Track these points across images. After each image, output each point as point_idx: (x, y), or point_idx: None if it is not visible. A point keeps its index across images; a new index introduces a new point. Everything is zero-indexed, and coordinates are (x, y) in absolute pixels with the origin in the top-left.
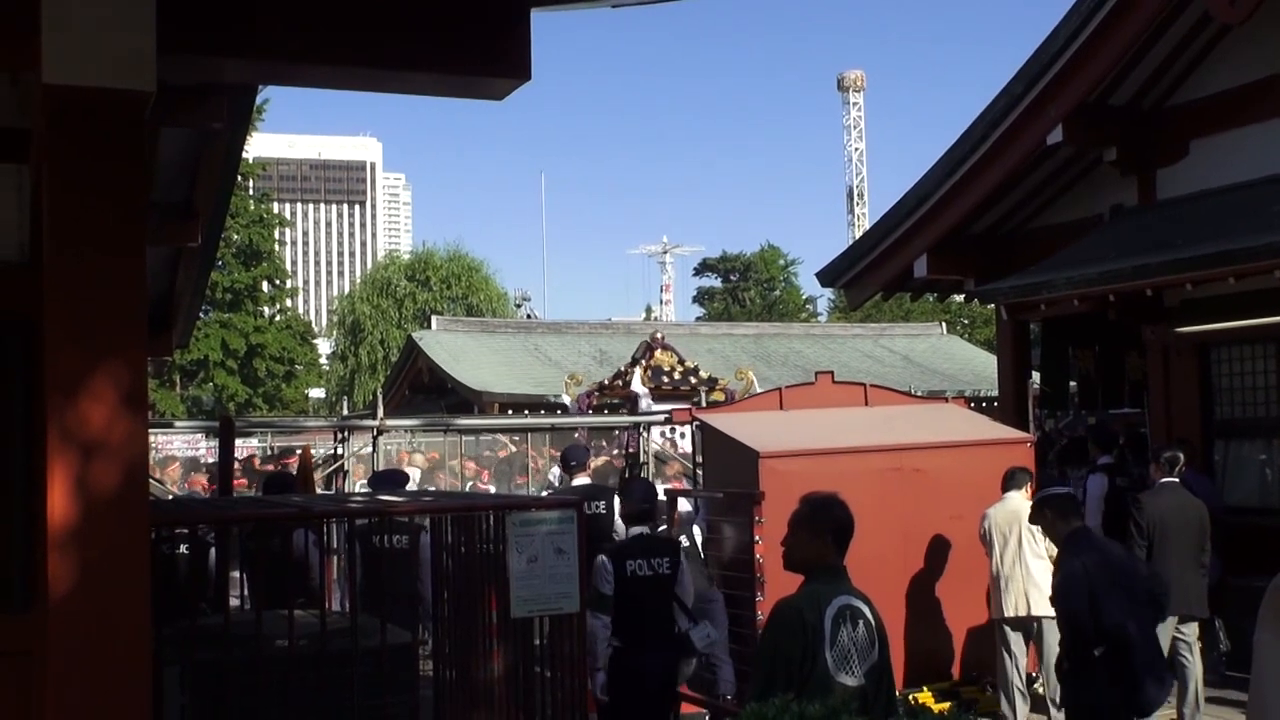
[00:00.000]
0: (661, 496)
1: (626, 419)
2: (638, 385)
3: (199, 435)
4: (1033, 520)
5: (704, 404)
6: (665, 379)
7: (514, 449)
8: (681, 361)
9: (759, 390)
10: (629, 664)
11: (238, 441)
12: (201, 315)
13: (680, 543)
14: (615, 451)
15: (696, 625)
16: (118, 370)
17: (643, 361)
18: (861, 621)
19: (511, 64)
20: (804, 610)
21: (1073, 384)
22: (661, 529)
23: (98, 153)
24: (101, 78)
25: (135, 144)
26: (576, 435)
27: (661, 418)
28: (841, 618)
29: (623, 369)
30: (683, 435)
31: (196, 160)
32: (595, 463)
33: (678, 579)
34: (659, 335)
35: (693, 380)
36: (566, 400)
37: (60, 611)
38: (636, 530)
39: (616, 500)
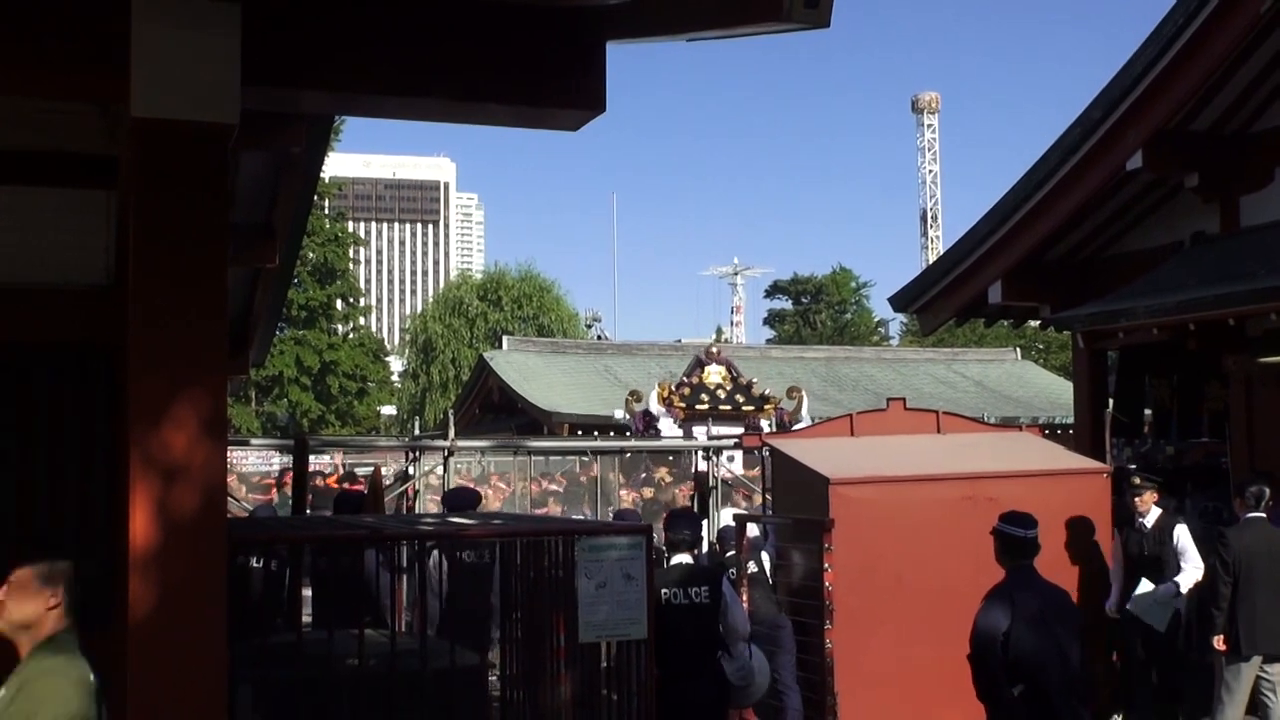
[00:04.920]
0: (731, 522)
1: (697, 443)
2: (654, 405)
3: (272, 451)
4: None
5: (771, 427)
6: (706, 397)
7: (560, 490)
8: (734, 378)
9: (806, 410)
10: (669, 694)
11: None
12: (277, 332)
13: (724, 573)
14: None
15: (731, 658)
16: (198, 396)
17: (686, 378)
18: None
19: (587, 96)
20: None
21: (1147, 412)
22: (729, 554)
23: (182, 183)
24: (188, 111)
25: (218, 174)
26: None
27: (731, 442)
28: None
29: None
30: (730, 459)
31: (276, 182)
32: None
33: (720, 609)
34: (714, 349)
35: (740, 398)
36: (620, 415)
37: (140, 632)
38: (678, 559)
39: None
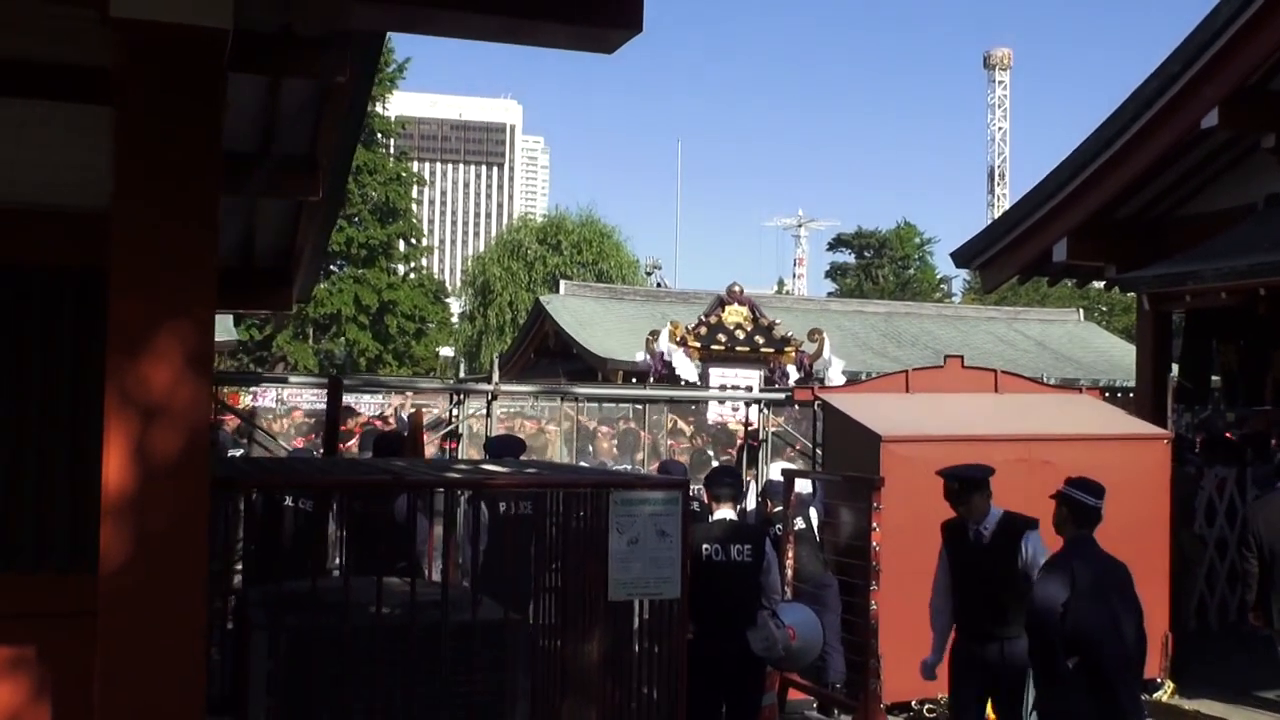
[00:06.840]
0: (779, 476)
1: (743, 394)
2: (665, 343)
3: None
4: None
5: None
6: (723, 337)
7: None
8: (755, 319)
9: (830, 354)
10: (702, 650)
11: (365, 398)
12: (336, 270)
13: (769, 531)
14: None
15: (755, 628)
16: (183, 328)
17: (704, 317)
18: None
19: (625, 15)
20: None
21: (1214, 378)
22: (777, 510)
23: (169, 94)
24: (173, 13)
25: (210, 87)
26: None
27: (782, 396)
28: None
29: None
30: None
31: (319, 113)
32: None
33: (763, 568)
34: (736, 288)
35: (759, 339)
36: (639, 356)
37: (112, 580)
38: (721, 513)
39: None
